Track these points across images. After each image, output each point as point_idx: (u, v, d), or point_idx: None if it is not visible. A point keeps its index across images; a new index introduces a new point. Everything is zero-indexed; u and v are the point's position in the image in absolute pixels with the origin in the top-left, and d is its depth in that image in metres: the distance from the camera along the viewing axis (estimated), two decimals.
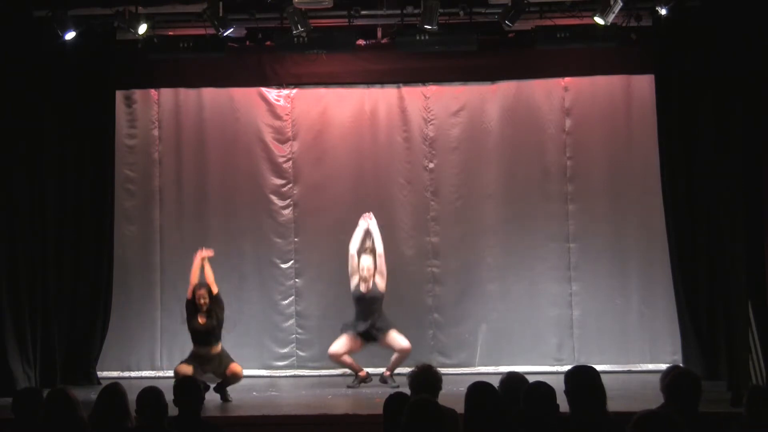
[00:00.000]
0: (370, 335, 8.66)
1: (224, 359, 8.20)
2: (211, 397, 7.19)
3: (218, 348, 8.19)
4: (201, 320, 8.16)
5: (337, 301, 9.60)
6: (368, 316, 8.63)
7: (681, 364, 8.64)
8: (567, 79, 9.78)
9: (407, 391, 5.01)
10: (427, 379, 4.93)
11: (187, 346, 8.51)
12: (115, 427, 4.50)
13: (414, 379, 4.97)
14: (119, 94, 9.76)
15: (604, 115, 9.78)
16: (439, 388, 4.91)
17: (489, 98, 9.87)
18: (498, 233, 9.68)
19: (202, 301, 8.12)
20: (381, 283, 8.68)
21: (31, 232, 8.98)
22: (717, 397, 7.53)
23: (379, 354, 8.93)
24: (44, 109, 9.14)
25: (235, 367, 8.16)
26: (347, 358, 8.76)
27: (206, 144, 9.98)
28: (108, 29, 8.98)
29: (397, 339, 8.67)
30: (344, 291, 9.26)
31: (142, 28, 8.60)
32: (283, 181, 9.92)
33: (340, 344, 8.72)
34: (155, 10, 8.75)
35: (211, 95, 9.98)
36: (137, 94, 9.99)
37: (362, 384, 8.72)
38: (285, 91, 9.95)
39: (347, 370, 8.93)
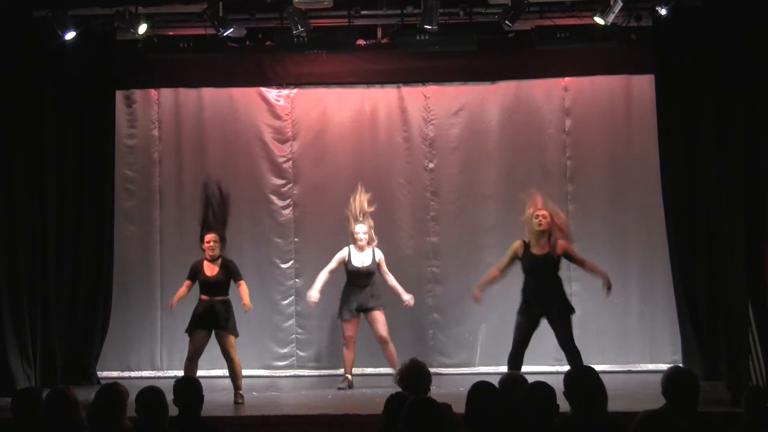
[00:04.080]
0: (362, 307, 8.70)
1: (230, 315, 8.17)
2: (211, 397, 7.19)
3: (225, 298, 8.22)
4: (209, 272, 8.18)
5: (337, 301, 9.59)
6: (361, 290, 8.69)
7: (681, 364, 8.65)
8: (567, 79, 9.79)
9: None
10: (416, 375, 4.93)
11: (187, 347, 8.50)
12: (112, 427, 4.50)
13: (402, 377, 4.97)
14: (119, 94, 9.76)
15: (604, 115, 9.78)
16: (429, 383, 4.92)
17: (489, 98, 9.87)
18: (498, 233, 9.66)
19: (212, 244, 8.15)
20: (381, 258, 8.78)
21: (30, 231, 8.98)
22: (717, 397, 7.54)
23: (378, 353, 8.92)
24: (44, 110, 9.13)
25: (230, 343, 8.13)
26: (352, 353, 8.77)
27: (206, 144, 9.98)
28: (108, 29, 8.99)
29: (380, 322, 8.68)
30: None
31: (142, 28, 8.61)
32: (283, 181, 9.93)
33: (351, 329, 8.73)
34: (155, 10, 8.76)
35: (211, 95, 9.98)
36: (137, 94, 9.99)
37: (350, 388, 8.73)
38: (285, 91, 9.95)
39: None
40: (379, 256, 8.83)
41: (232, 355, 8.14)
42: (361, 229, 8.77)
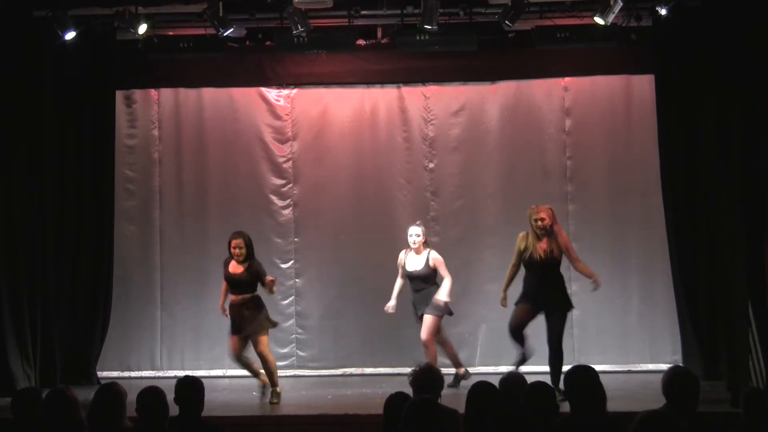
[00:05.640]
0: (419, 311, 8.49)
1: (255, 314, 8.05)
2: (211, 397, 7.18)
3: (248, 297, 8.07)
4: (234, 269, 8.10)
5: (337, 302, 9.62)
6: (418, 293, 8.47)
7: (681, 364, 8.65)
8: (567, 79, 9.79)
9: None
10: (429, 378, 4.92)
11: (187, 347, 8.52)
12: (111, 427, 4.50)
13: (415, 378, 4.96)
14: (119, 94, 9.75)
15: (604, 115, 9.78)
16: (441, 387, 4.91)
17: (489, 98, 9.87)
18: (498, 233, 9.66)
19: (237, 251, 8.05)
20: (436, 260, 8.47)
21: (30, 232, 8.98)
22: (717, 397, 7.54)
23: (377, 353, 8.92)
24: (44, 110, 9.12)
25: (262, 345, 8.02)
26: (451, 349, 8.56)
27: (206, 144, 9.98)
28: (108, 29, 8.99)
29: (424, 325, 8.42)
30: (344, 291, 9.27)
31: (142, 28, 8.60)
32: (283, 181, 9.92)
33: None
34: (155, 10, 8.75)
35: (211, 95, 9.98)
36: (137, 94, 9.99)
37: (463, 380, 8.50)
38: (285, 91, 9.95)
39: (347, 370, 8.92)
40: (434, 258, 8.50)
41: (265, 354, 8.03)
42: (414, 231, 8.51)
